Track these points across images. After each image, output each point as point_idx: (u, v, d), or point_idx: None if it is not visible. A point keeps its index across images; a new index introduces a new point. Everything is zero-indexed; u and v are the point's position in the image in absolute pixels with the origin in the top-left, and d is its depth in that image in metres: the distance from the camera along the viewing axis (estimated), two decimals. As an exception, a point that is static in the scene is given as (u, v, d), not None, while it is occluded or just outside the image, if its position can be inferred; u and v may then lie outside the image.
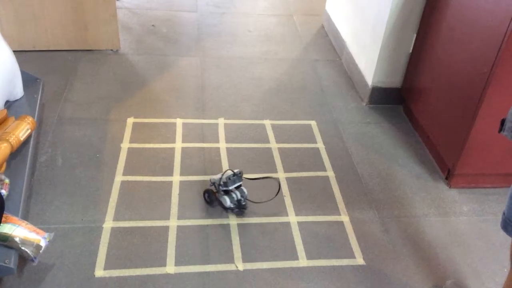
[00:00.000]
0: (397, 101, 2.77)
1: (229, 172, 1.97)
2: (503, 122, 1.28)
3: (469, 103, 2.03)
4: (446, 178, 2.28)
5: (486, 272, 1.86)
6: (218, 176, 1.97)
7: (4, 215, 1.59)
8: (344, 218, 2.03)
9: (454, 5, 2.17)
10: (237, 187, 1.98)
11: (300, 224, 1.98)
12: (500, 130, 1.29)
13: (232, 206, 1.96)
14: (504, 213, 1.30)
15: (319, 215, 2.03)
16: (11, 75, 2.16)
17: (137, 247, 1.81)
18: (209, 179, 2.03)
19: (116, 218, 1.91)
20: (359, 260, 1.85)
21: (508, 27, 1.77)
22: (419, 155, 2.43)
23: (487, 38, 1.91)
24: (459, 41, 2.13)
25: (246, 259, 1.81)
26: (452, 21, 2.19)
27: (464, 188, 2.25)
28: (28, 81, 2.32)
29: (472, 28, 2.03)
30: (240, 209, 2.00)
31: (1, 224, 1.55)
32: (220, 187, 1.96)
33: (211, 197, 2.00)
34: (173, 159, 2.23)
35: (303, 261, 1.82)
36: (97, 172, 2.12)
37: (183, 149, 2.30)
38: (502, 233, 1.35)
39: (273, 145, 2.39)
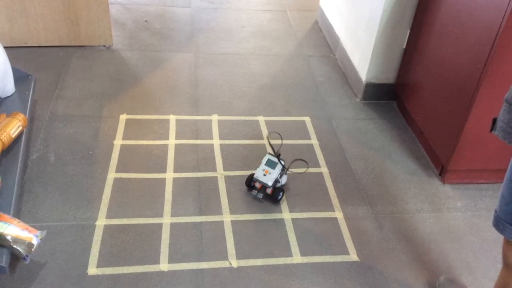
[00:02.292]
0: (391, 97, 2.77)
1: (272, 158, 2.04)
2: (494, 121, 1.27)
3: (462, 99, 2.03)
4: (440, 174, 2.28)
5: (480, 268, 1.87)
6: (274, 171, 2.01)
7: (-5, 213, 1.58)
8: (338, 214, 2.03)
9: (448, 1, 2.17)
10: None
11: (294, 220, 1.97)
12: (492, 129, 1.28)
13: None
14: (495, 211, 1.29)
15: (313, 211, 2.03)
16: (2, 71, 2.13)
17: (130, 244, 1.80)
18: (269, 181, 2.00)
19: (109, 216, 1.90)
20: (353, 256, 1.85)
21: (502, 23, 1.77)
22: (413, 151, 2.44)
23: (481, 34, 1.91)
24: (453, 37, 2.13)
25: (240, 256, 1.80)
26: (445, 17, 2.19)
27: (458, 183, 2.26)
28: (20, 77, 2.30)
29: (466, 24, 2.02)
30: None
31: (-8, 222, 1.54)
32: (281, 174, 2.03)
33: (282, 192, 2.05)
34: (166, 156, 2.22)
35: (297, 258, 1.82)
36: (90, 169, 2.10)
37: (177, 145, 2.29)
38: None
39: (267, 141, 2.38)
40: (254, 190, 2.02)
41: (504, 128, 1.21)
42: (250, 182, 2.05)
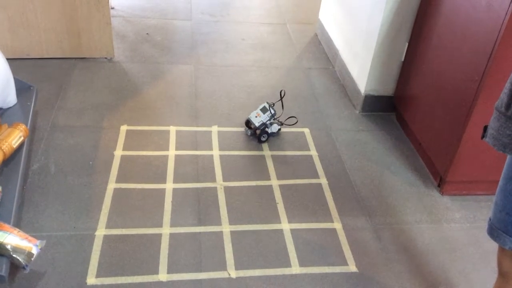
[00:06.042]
0: (389, 108, 2.78)
1: (267, 106, 2.44)
2: (485, 128, 1.30)
3: (460, 110, 2.05)
4: (438, 185, 2.29)
5: (478, 279, 1.87)
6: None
7: (-5, 223, 1.59)
8: (337, 225, 2.03)
9: (445, 14, 2.20)
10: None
11: (292, 231, 1.98)
12: (483, 136, 1.31)
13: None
14: (490, 219, 1.30)
15: (312, 222, 2.04)
16: (5, 82, 2.16)
17: (130, 254, 1.80)
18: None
19: (108, 226, 1.91)
20: (352, 267, 1.85)
21: (498, 35, 1.80)
22: (412, 162, 2.45)
23: (477, 47, 1.94)
24: (450, 50, 2.15)
25: (238, 266, 1.81)
26: (443, 30, 2.21)
27: (456, 195, 2.27)
28: (22, 88, 2.32)
29: (463, 37, 2.05)
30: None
31: (-7, 231, 1.55)
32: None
33: (267, 135, 2.44)
34: (166, 167, 2.23)
35: (295, 268, 1.82)
36: (90, 180, 2.11)
37: (176, 156, 2.31)
38: (493, 240, 1.35)
39: (266, 152, 2.39)
40: (246, 128, 2.46)
41: (494, 135, 1.24)
42: (248, 122, 2.45)
